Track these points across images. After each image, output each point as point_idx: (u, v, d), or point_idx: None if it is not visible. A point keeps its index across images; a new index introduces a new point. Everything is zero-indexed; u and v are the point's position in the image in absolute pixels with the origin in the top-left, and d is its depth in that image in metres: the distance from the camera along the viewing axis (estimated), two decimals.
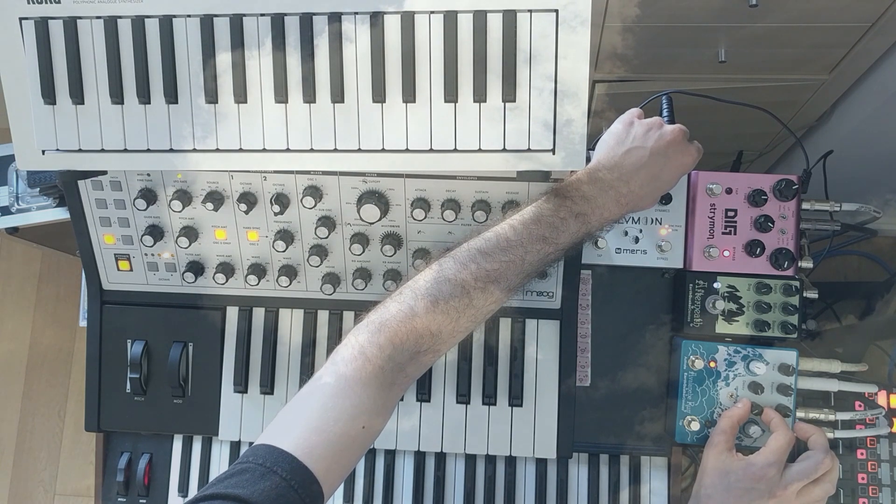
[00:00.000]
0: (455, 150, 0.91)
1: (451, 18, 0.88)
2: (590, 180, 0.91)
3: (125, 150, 0.94)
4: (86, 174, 0.98)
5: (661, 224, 1.09)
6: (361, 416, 0.79)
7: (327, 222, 1.04)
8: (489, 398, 1.11)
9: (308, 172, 1.02)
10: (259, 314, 1.13)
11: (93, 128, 0.93)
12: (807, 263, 1.08)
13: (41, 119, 0.93)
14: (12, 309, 2.48)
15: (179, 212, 1.04)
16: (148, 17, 0.91)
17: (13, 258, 2.49)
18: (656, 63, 1.44)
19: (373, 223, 1.04)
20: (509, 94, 0.89)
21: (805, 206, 1.09)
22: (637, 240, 1.09)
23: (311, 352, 1.12)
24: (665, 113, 1.16)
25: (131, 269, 1.11)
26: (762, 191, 1.07)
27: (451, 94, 0.90)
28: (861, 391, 1.14)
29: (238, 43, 0.90)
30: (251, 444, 0.79)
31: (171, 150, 0.93)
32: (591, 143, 1.16)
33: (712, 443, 1.02)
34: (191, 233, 1.06)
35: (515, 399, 1.11)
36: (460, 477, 1.14)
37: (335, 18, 0.89)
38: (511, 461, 1.14)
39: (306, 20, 0.89)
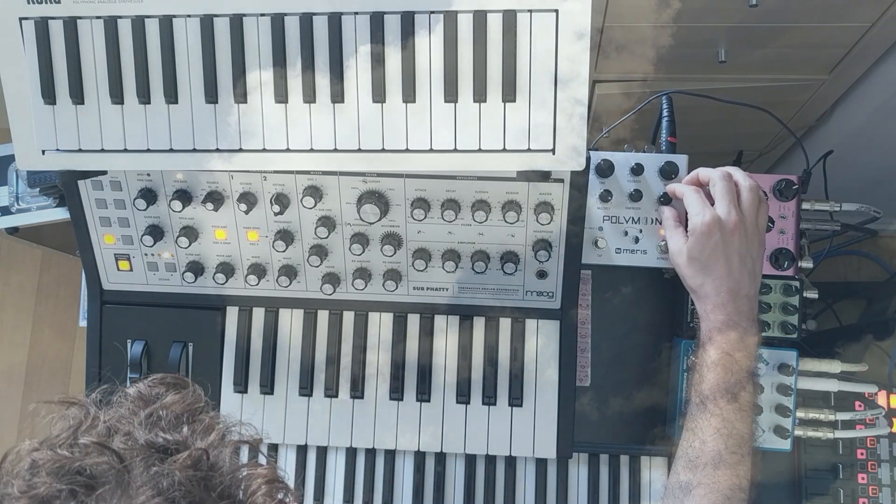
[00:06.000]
0: (455, 150, 0.91)
1: (451, 18, 0.88)
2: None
3: (125, 150, 0.94)
4: (86, 174, 0.98)
5: (661, 224, 1.08)
6: None
7: (327, 222, 1.04)
8: (489, 398, 1.11)
9: (308, 172, 1.02)
10: (259, 314, 1.13)
11: (93, 128, 0.93)
12: (807, 263, 1.08)
13: (41, 119, 0.93)
14: (12, 309, 2.48)
15: (179, 212, 1.04)
16: (148, 17, 0.91)
17: (13, 258, 2.49)
18: (656, 63, 1.44)
19: (373, 223, 1.04)
20: (509, 94, 0.89)
21: (805, 206, 1.09)
22: (637, 240, 1.09)
23: (311, 352, 1.12)
24: (665, 113, 1.16)
25: (131, 269, 1.11)
26: (762, 191, 1.07)
27: (451, 94, 0.90)
28: (861, 391, 1.14)
29: (238, 43, 0.90)
30: None
31: (171, 150, 0.93)
32: (591, 143, 1.16)
33: (676, 251, 1.00)
34: (191, 233, 1.06)
35: (515, 399, 1.11)
36: (460, 477, 1.14)
37: (335, 18, 0.89)
38: (511, 461, 1.14)
39: (306, 20, 0.89)
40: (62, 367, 2.42)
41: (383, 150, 0.92)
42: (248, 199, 1.03)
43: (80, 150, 0.94)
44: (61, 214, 1.27)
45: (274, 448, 1.15)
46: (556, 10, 0.87)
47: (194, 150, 0.93)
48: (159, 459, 0.60)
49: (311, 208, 1.02)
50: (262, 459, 0.70)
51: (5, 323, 2.47)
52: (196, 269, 1.09)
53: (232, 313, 1.13)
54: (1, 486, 0.60)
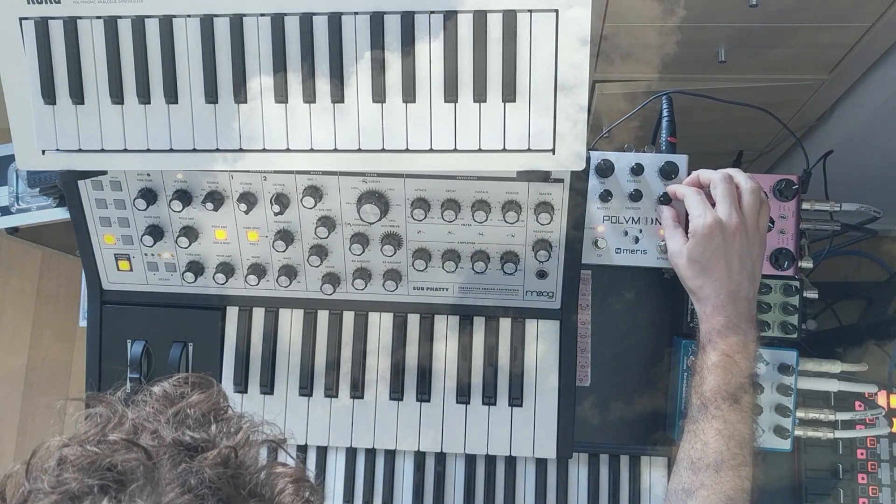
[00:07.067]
0: (455, 150, 0.91)
1: (451, 18, 0.88)
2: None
3: (125, 150, 0.94)
4: (86, 174, 0.98)
5: (660, 224, 1.09)
6: None
7: (327, 222, 1.04)
8: (489, 398, 1.11)
9: (308, 172, 1.02)
10: (259, 314, 1.13)
11: (93, 128, 0.93)
12: (807, 263, 1.08)
13: (41, 119, 0.93)
14: (12, 309, 2.48)
15: (179, 212, 1.04)
16: (148, 17, 0.91)
17: (13, 258, 2.49)
18: (656, 63, 1.44)
19: (373, 223, 1.04)
20: (509, 94, 0.89)
21: (805, 206, 1.09)
22: (637, 240, 1.09)
23: (311, 352, 1.12)
24: (665, 113, 1.16)
25: (131, 269, 1.11)
26: (763, 193, 1.07)
27: (451, 94, 0.90)
28: (861, 391, 1.14)
29: (238, 43, 0.90)
30: None
31: (171, 150, 0.93)
32: (591, 143, 1.16)
33: (676, 252, 1.00)
34: (191, 233, 1.06)
35: (515, 399, 1.11)
36: (460, 477, 1.14)
37: (335, 19, 0.89)
38: (511, 461, 1.14)
39: (306, 20, 0.89)
40: (62, 368, 2.42)
41: (383, 151, 0.92)
42: (248, 199, 1.03)
43: (80, 150, 0.94)
44: (61, 214, 1.27)
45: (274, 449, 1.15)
46: (556, 11, 0.87)
47: (194, 151, 0.93)
48: (188, 457, 0.60)
49: (311, 208, 1.02)
50: (289, 459, 0.70)
51: (5, 325, 2.47)
52: (196, 269, 1.09)
53: (232, 313, 1.13)
54: (31, 482, 0.60)
